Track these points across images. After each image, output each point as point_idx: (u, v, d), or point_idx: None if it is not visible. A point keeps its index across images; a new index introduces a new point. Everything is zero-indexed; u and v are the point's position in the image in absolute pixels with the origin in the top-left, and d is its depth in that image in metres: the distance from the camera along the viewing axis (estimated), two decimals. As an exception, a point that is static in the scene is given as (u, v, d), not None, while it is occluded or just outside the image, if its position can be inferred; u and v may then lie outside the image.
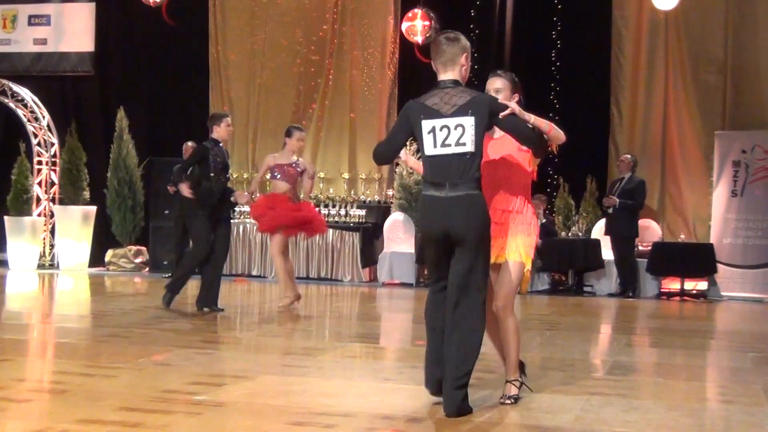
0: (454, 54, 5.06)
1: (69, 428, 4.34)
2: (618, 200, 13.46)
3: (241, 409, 4.95)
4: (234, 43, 17.02)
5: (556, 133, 5.14)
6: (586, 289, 14.14)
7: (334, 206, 15.27)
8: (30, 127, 16.45)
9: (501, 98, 5.18)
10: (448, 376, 4.85)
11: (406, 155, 5.69)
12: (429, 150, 4.96)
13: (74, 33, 17.50)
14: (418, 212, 5.09)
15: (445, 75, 5.08)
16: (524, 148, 5.20)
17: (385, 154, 5.32)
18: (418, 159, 5.20)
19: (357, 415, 4.89)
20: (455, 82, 5.06)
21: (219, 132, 9.75)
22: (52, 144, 16.59)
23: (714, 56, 14.86)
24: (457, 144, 4.91)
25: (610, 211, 13.64)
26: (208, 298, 9.77)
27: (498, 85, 5.34)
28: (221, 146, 9.81)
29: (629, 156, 13.97)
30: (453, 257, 4.96)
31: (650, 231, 14.45)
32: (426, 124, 4.96)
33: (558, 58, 15.50)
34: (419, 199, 5.08)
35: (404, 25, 15.20)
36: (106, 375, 5.86)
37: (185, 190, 9.62)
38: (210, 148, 9.69)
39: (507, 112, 4.98)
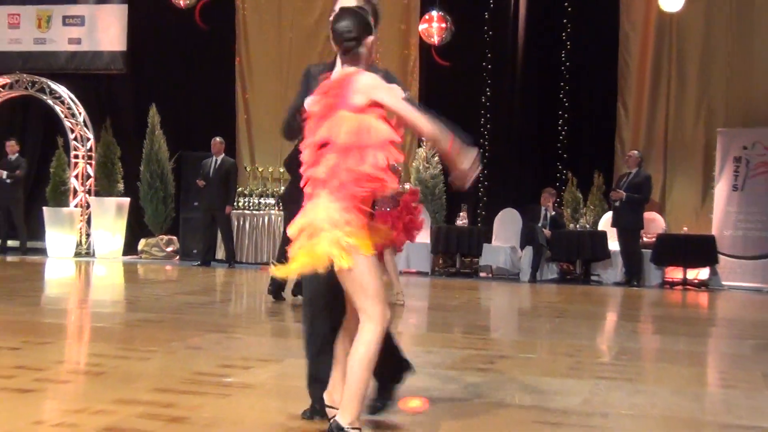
0: None
1: (105, 408, 4.35)
2: (625, 194, 13.41)
3: (269, 391, 4.96)
4: (261, 43, 17.04)
5: None
6: (593, 278, 14.15)
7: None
8: (67, 123, 16.54)
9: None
10: None
11: None
12: None
13: (107, 33, 17.58)
14: None
15: None
16: None
17: None
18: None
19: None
20: None
21: None
22: (88, 139, 16.68)
23: (717, 57, 14.82)
24: None
25: (617, 204, 13.60)
26: None
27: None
28: None
29: (636, 152, 13.94)
30: None
31: (655, 223, 14.42)
32: None
33: (568, 58, 15.48)
34: None
35: (421, 27, 15.01)
36: (140, 358, 5.89)
37: None
38: None
39: None
